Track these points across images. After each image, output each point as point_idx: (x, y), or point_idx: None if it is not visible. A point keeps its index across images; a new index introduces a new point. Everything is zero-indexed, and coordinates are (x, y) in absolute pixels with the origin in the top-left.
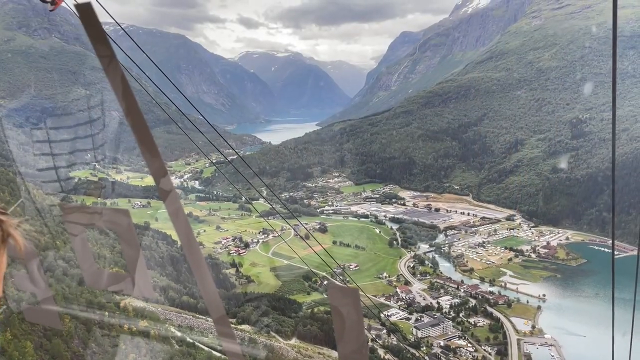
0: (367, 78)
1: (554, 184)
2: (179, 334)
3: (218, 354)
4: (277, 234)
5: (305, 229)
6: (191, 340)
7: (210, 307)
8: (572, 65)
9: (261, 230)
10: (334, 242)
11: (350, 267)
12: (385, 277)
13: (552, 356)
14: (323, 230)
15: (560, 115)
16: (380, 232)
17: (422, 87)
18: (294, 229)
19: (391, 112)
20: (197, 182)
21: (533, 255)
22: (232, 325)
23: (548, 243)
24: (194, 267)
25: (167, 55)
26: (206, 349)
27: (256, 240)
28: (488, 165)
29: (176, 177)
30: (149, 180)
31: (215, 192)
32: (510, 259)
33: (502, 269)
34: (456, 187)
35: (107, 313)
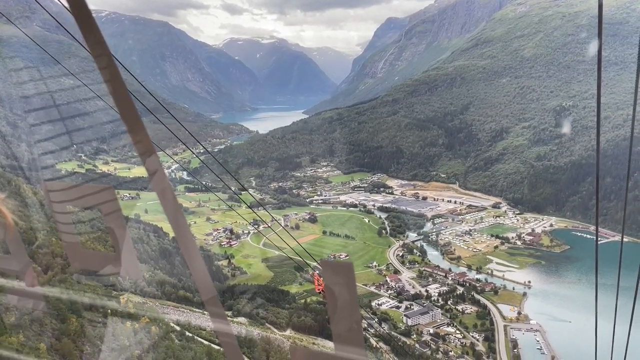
0: (353, 65)
1: (539, 172)
2: (178, 328)
3: (217, 347)
4: (267, 225)
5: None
6: (190, 335)
7: (200, 288)
8: (556, 53)
9: (251, 221)
10: (324, 232)
11: (341, 256)
12: (375, 266)
13: (538, 341)
14: (313, 220)
15: (544, 102)
16: (369, 221)
17: (408, 74)
18: (283, 220)
19: (378, 100)
20: (185, 172)
21: (518, 243)
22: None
23: (533, 230)
24: (183, 246)
25: (150, 43)
26: (205, 342)
27: (247, 231)
28: (474, 154)
29: (164, 168)
30: (136, 171)
31: (204, 183)
32: (496, 247)
33: (488, 256)
34: (443, 176)
35: (109, 310)
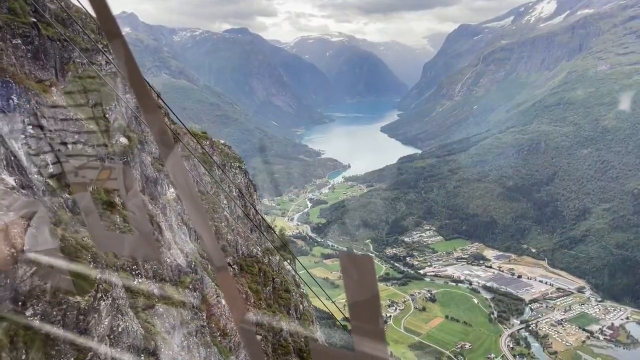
0: (424, 70)
1: (617, 261)
2: None
3: None
4: (401, 307)
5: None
6: None
7: (212, 257)
8: (636, 127)
9: (389, 302)
10: (446, 317)
11: (466, 346)
12: (493, 358)
13: None
14: (432, 299)
15: (623, 182)
16: (477, 302)
17: (487, 105)
18: (411, 299)
19: (468, 155)
20: (308, 227)
21: (601, 337)
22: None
23: (612, 324)
24: (195, 218)
25: (240, 60)
26: None
27: (388, 314)
28: (560, 230)
29: (288, 219)
30: None
31: (329, 244)
32: (584, 341)
33: (578, 351)
34: (533, 250)
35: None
